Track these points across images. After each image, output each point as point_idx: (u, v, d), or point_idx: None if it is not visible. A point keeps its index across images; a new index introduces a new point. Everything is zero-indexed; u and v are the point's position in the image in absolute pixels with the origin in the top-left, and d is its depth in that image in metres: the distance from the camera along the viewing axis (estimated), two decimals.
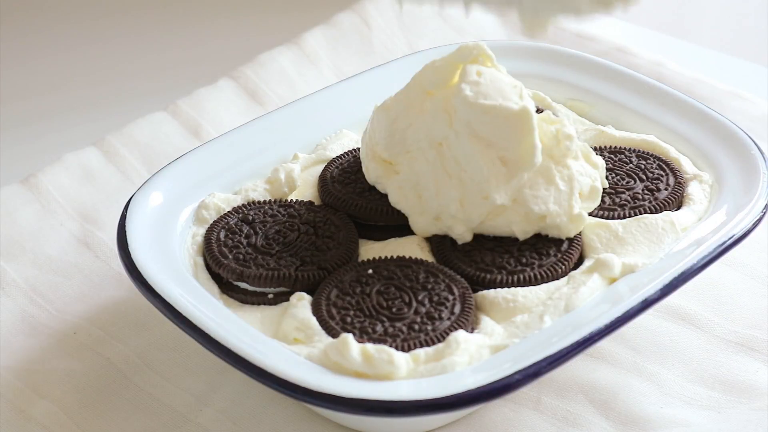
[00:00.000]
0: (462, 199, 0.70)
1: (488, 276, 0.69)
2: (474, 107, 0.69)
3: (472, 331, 0.67)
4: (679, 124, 0.80)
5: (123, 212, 0.72)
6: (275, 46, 0.99)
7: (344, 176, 0.76)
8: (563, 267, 0.70)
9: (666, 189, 0.75)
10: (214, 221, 0.73)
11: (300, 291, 0.69)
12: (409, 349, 0.65)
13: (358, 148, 0.78)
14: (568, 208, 0.71)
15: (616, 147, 0.79)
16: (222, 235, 0.72)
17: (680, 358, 0.73)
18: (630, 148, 0.79)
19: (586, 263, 0.70)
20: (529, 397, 0.71)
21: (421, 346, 0.65)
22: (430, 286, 0.68)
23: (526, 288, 0.69)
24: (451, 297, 0.68)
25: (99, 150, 0.89)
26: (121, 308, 0.77)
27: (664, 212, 0.73)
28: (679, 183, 0.76)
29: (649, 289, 0.67)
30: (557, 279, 0.70)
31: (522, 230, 0.71)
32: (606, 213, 0.74)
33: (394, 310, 0.67)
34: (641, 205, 0.74)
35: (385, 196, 0.73)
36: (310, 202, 0.75)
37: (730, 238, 0.70)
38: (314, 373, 0.63)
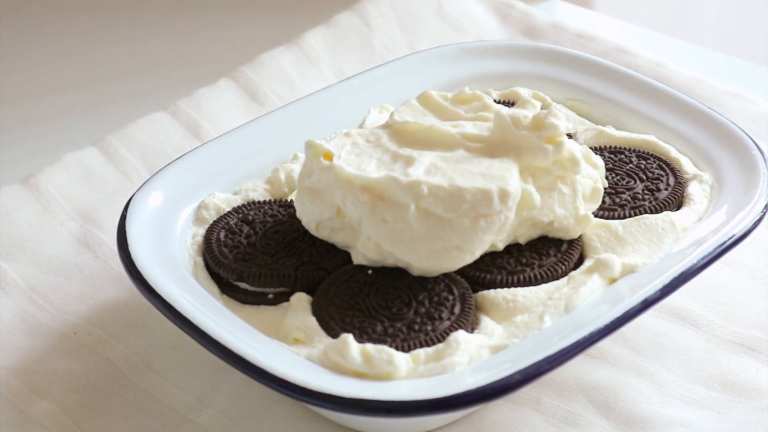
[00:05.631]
0: (460, 246, 0.68)
1: (488, 276, 0.69)
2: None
3: (472, 331, 0.67)
4: (679, 124, 0.80)
5: (123, 212, 0.72)
6: (275, 46, 0.99)
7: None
8: (563, 267, 0.70)
9: (666, 189, 0.75)
10: (214, 221, 0.73)
11: (300, 291, 0.69)
12: (409, 349, 0.65)
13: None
14: (574, 210, 0.71)
15: (616, 147, 0.79)
16: (222, 235, 0.72)
17: (680, 358, 0.73)
18: (630, 148, 0.79)
19: (586, 263, 0.70)
20: (529, 397, 0.71)
21: (421, 346, 0.65)
22: (429, 286, 0.68)
23: (526, 288, 0.69)
24: (451, 297, 0.68)
25: (99, 150, 0.89)
26: (121, 308, 0.77)
27: (664, 212, 0.73)
28: (679, 183, 0.76)
29: (649, 289, 0.67)
30: (557, 279, 0.70)
31: (527, 237, 0.71)
32: (606, 213, 0.74)
33: (393, 310, 0.67)
34: (641, 205, 0.74)
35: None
36: None
37: (730, 238, 0.70)
38: (314, 373, 0.63)
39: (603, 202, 0.74)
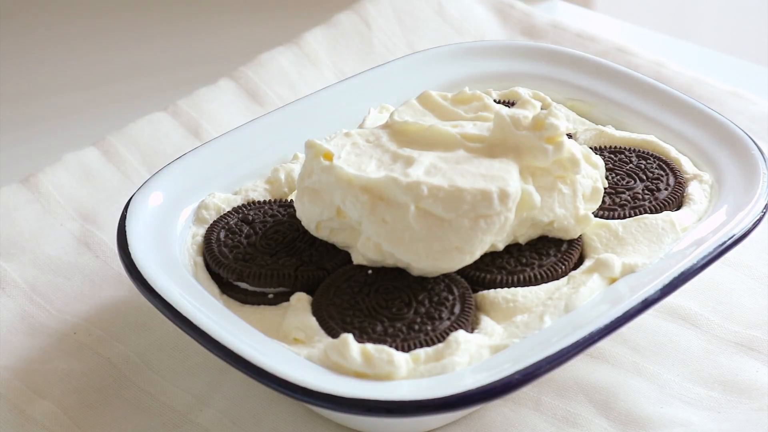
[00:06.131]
0: (459, 246, 0.68)
1: (488, 276, 0.69)
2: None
3: (472, 331, 0.67)
4: (679, 124, 0.80)
5: (123, 212, 0.72)
6: (275, 46, 0.99)
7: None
8: (563, 267, 0.70)
9: (666, 189, 0.75)
10: (214, 221, 0.73)
11: (300, 291, 0.69)
12: (409, 349, 0.65)
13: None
14: (574, 210, 0.71)
15: (616, 147, 0.79)
16: (222, 235, 0.72)
17: (680, 358, 0.73)
18: (630, 148, 0.79)
19: (586, 263, 0.70)
20: (529, 397, 0.71)
21: (421, 346, 0.65)
22: (429, 286, 0.68)
23: (526, 288, 0.69)
24: (451, 297, 0.68)
25: (99, 150, 0.89)
26: (121, 308, 0.77)
27: (664, 212, 0.73)
28: (679, 183, 0.76)
29: (649, 289, 0.67)
30: (557, 279, 0.70)
31: (527, 237, 0.71)
32: (606, 213, 0.74)
33: (393, 310, 0.67)
34: (641, 205, 0.74)
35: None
36: None
37: (730, 238, 0.70)
38: (314, 373, 0.63)
39: (603, 202, 0.74)
